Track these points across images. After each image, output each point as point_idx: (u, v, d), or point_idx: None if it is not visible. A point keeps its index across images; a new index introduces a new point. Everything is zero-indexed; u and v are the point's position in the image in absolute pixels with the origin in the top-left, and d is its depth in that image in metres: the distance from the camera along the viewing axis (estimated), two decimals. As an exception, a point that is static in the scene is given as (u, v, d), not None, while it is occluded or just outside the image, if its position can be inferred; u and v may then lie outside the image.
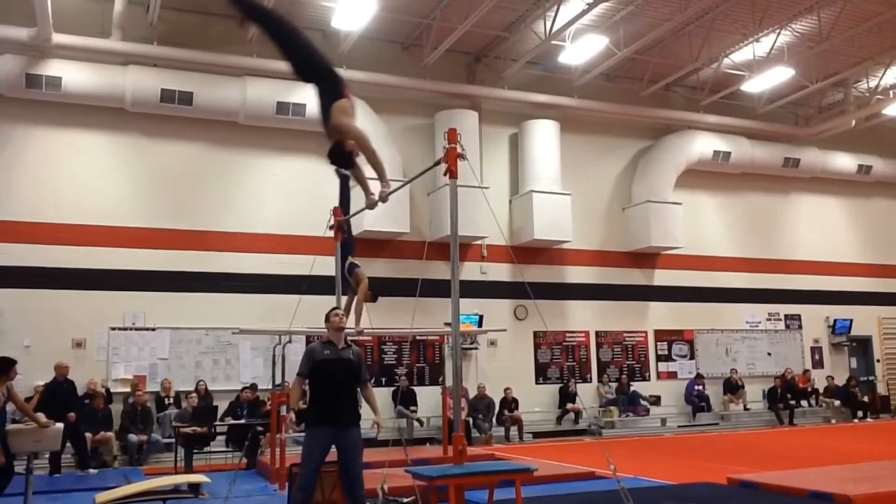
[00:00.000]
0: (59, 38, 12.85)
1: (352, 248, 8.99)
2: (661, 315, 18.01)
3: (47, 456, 11.41)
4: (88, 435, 12.06)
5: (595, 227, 17.59)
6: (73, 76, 13.34)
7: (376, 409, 6.27)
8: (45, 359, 12.88)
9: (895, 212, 21.24)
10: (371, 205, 6.86)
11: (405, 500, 6.82)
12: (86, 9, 13.76)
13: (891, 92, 18.51)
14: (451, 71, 16.21)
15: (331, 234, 8.53)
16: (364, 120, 15.12)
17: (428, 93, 15.88)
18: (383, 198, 6.58)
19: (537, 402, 16.30)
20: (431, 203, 15.68)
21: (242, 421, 12.40)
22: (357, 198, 14.79)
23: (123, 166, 14.18)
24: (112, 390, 13.16)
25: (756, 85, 17.10)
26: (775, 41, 15.97)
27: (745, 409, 17.85)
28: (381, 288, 14.74)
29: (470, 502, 5.63)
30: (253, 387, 13.40)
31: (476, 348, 15.92)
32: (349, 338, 6.37)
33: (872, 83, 18.49)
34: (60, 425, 8.49)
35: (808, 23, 15.56)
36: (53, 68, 13.20)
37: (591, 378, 17.18)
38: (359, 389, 6.18)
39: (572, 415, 16.18)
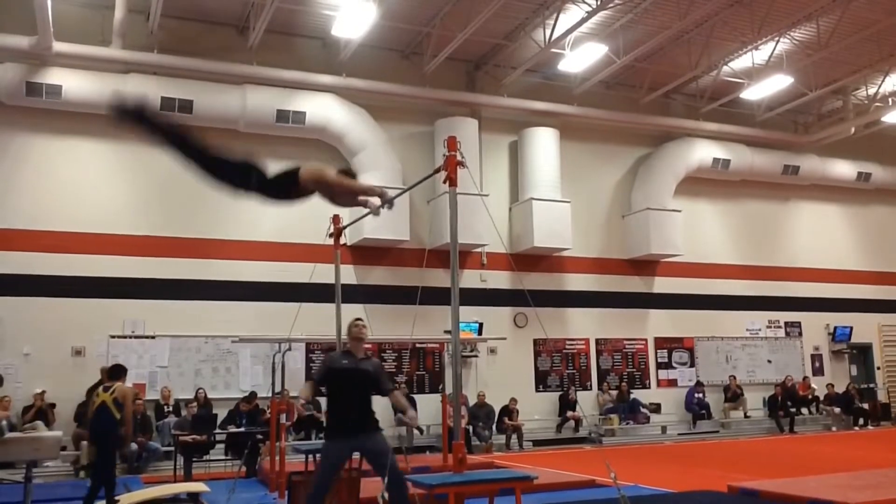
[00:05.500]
0: (59, 46, 12.87)
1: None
2: (661, 322, 17.99)
3: (47, 465, 11.41)
4: (85, 443, 12.04)
5: (595, 235, 17.59)
6: (74, 84, 13.36)
7: (406, 407, 6.46)
8: (44, 367, 12.92)
9: (894, 219, 21.25)
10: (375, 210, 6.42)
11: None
12: (86, 17, 13.79)
13: (890, 99, 18.52)
14: (451, 79, 16.24)
15: (330, 241, 8.52)
16: (364, 128, 15.21)
17: (428, 100, 15.90)
18: (386, 200, 6.10)
19: (537, 410, 16.27)
20: (431, 211, 15.70)
21: (242, 429, 12.38)
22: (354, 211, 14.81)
23: (123, 174, 14.19)
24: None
25: (755, 92, 17.12)
26: (774, 49, 16.01)
27: (746, 416, 17.82)
28: (382, 296, 14.90)
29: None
30: (252, 395, 13.40)
31: (476, 356, 15.90)
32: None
33: (871, 90, 18.53)
34: (59, 433, 8.50)
35: (806, 30, 15.60)
36: (54, 76, 13.22)
37: (591, 386, 17.15)
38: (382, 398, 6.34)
39: (572, 423, 16.15)
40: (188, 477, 11.33)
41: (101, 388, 8.73)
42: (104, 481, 8.50)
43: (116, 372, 8.83)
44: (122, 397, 8.48)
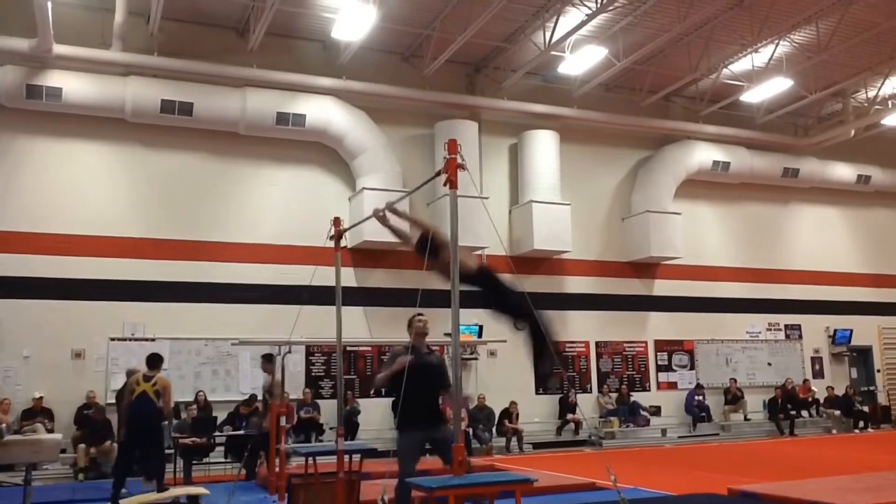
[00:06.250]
0: (59, 48, 12.88)
1: None
2: (661, 325, 17.98)
3: (47, 467, 11.41)
4: (83, 446, 12.07)
5: (595, 237, 17.59)
6: (74, 87, 13.37)
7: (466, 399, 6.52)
8: (44, 369, 12.92)
9: (894, 221, 21.25)
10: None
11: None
12: (86, 19, 13.79)
13: (889, 102, 18.54)
14: (451, 81, 16.25)
15: (331, 244, 8.50)
16: (364, 130, 15.22)
17: (428, 103, 15.91)
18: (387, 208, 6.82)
19: (537, 413, 16.26)
20: (431, 213, 15.67)
21: (242, 432, 12.37)
22: (354, 210, 14.78)
23: (123, 177, 14.20)
24: (111, 401, 13.12)
25: (755, 95, 17.13)
26: (774, 52, 16.02)
27: (746, 419, 17.82)
28: (382, 298, 14.91)
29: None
30: (252, 398, 13.38)
31: (476, 359, 15.88)
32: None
33: (871, 93, 18.52)
34: (59, 436, 8.52)
35: (806, 33, 15.61)
36: (54, 79, 13.22)
37: (591, 388, 17.15)
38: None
39: (572, 425, 16.15)
40: (188, 480, 11.31)
41: (140, 378, 9.20)
42: (119, 472, 9.04)
43: (156, 361, 9.40)
44: (163, 388, 9.18)
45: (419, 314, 6.59)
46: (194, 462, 11.77)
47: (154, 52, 13.89)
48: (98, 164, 14.05)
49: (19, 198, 13.40)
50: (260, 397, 11.67)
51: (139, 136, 14.19)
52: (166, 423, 10.84)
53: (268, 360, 10.96)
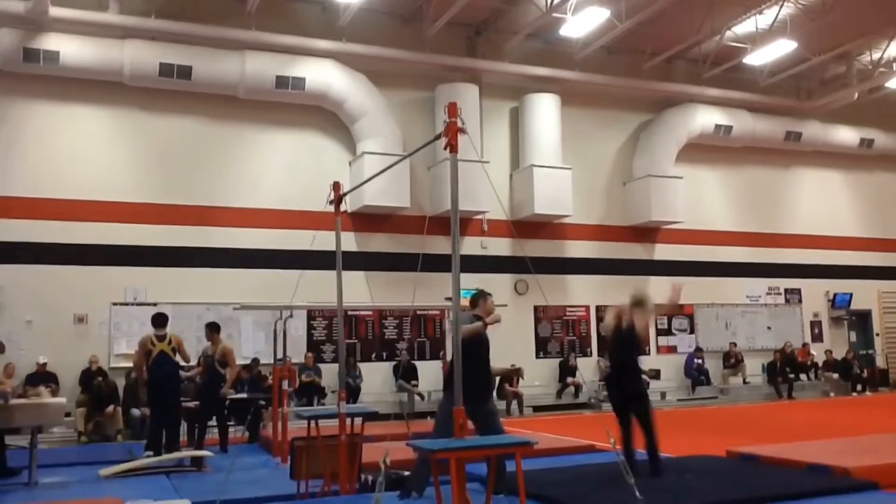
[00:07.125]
0: (56, 11, 12.74)
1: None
2: (661, 289, 17.80)
3: (52, 430, 11.52)
4: (81, 410, 12.17)
5: (596, 202, 17.56)
6: (71, 50, 13.24)
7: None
8: (46, 334, 12.97)
9: (897, 185, 21.21)
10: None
11: (407, 473, 6.88)
12: (82, -18, 13.63)
13: (894, 65, 18.37)
14: (452, 44, 16.09)
15: (331, 208, 8.47)
16: (364, 94, 15.11)
17: (428, 66, 15.77)
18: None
19: (538, 376, 16.37)
20: (432, 177, 15.65)
21: (244, 395, 12.45)
22: (355, 174, 14.71)
23: (122, 141, 14.13)
24: (114, 365, 13.23)
25: (758, 58, 16.97)
26: (778, 13, 15.83)
27: (745, 382, 17.94)
28: (383, 263, 14.95)
29: (471, 475, 5.68)
30: (255, 362, 13.46)
31: (476, 322, 15.92)
32: None
33: (875, 56, 18.35)
34: (63, 400, 8.60)
35: (811, -5, 15.43)
36: (51, 42, 13.09)
37: (591, 352, 17.25)
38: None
39: (572, 388, 16.28)
40: (191, 443, 11.41)
41: (154, 338, 9.55)
42: (167, 422, 9.51)
43: (162, 320, 9.76)
44: (178, 344, 9.70)
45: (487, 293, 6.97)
46: (198, 425, 11.85)
47: (152, 14, 13.73)
48: (97, 128, 13.98)
49: (19, 163, 13.35)
50: (195, 363, 11.38)
51: (138, 99, 14.10)
52: (195, 371, 11.06)
53: (212, 328, 10.86)
